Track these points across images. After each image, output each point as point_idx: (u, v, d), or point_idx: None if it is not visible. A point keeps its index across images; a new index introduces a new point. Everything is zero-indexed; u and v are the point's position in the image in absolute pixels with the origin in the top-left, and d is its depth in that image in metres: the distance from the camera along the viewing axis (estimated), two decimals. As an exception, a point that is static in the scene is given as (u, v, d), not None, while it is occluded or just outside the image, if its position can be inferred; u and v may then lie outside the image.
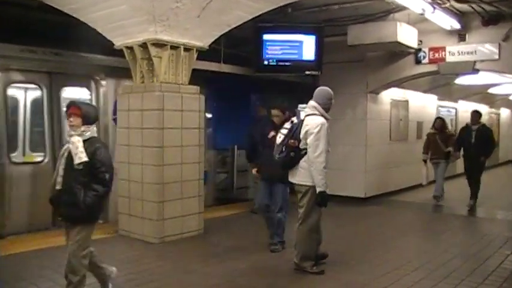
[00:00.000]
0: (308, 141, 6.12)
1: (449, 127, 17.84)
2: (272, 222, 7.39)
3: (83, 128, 4.71)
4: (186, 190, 8.06)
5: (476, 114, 11.64)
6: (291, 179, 6.48)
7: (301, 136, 6.25)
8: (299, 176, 6.31)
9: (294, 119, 7.16)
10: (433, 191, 12.34)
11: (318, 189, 6.04)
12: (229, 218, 9.77)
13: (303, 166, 6.24)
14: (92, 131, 4.80)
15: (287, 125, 6.93)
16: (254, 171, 7.84)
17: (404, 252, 7.54)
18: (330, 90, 6.45)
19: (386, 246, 7.90)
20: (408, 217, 10.81)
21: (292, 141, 6.32)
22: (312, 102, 6.37)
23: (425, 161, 12.37)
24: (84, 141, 4.66)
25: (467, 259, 7.11)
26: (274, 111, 7.21)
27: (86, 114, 4.75)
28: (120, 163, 8.22)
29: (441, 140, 12.08)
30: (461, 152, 11.96)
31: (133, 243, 7.70)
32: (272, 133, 7.19)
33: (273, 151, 6.65)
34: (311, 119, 6.26)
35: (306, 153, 6.17)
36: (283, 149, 6.41)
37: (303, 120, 6.43)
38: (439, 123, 12.35)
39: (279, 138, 6.78)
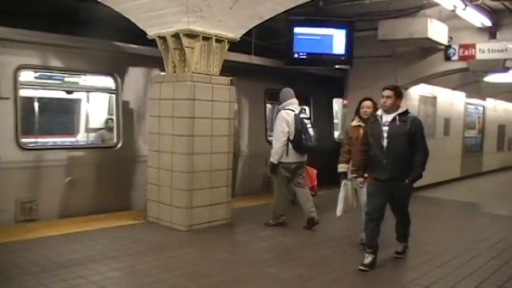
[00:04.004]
0: None
1: (477, 125, 17.83)
2: None
3: None
4: (215, 179, 8.15)
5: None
6: None
7: None
8: None
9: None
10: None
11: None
12: (256, 208, 9.85)
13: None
14: None
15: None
16: None
17: (429, 248, 7.53)
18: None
19: (412, 241, 7.90)
20: (435, 213, 10.77)
21: None
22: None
23: (345, 175, 7.31)
24: None
25: (492, 257, 7.09)
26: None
27: None
28: (150, 151, 8.37)
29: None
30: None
31: (161, 230, 7.81)
32: None
33: None
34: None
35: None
36: None
37: None
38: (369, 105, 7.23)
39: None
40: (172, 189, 7.94)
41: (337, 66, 11.08)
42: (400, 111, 6.27)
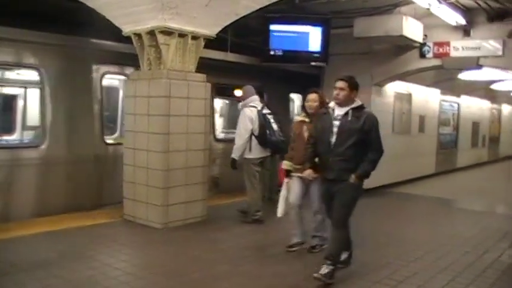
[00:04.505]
0: None
1: (451, 122, 18.03)
2: None
3: None
4: (191, 177, 8.14)
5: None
6: None
7: None
8: None
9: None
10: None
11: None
12: (233, 205, 9.83)
13: None
14: None
15: None
16: None
17: (404, 243, 7.61)
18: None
19: (387, 237, 7.99)
20: (408, 209, 10.91)
21: None
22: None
23: (288, 172, 6.89)
24: None
25: (465, 252, 7.19)
26: None
27: None
28: (126, 149, 8.33)
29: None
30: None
31: (137, 228, 7.80)
32: None
33: None
34: None
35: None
36: None
37: None
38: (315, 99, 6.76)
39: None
40: (148, 187, 7.92)
41: (313, 63, 11.10)
42: (354, 105, 5.69)
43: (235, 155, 8.32)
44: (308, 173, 6.10)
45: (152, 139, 7.86)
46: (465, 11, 10.59)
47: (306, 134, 6.57)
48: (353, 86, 5.73)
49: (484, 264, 6.62)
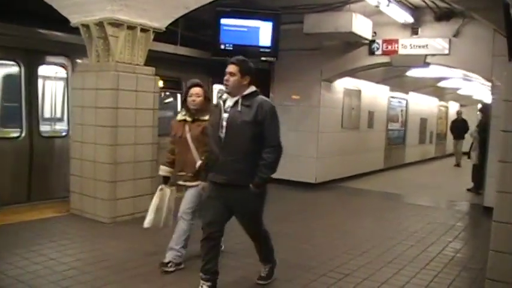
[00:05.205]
0: None
1: (400, 118, 18.34)
2: None
3: None
4: (139, 171, 8.08)
5: None
6: None
7: None
8: None
9: None
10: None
11: None
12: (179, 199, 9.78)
13: None
14: None
15: None
16: None
17: (351, 237, 7.74)
18: None
19: (335, 230, 8.10)
20: (357, 203, 11.06)
21: None
22: None
23: (165, 179, 6.10)
24: None
25: (411, 245, 7.35)
26: None
27: None
28: (73, 142, 8.21)
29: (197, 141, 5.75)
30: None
31: (85, 223, 7.70)
32: None
33: None
34: None
35: None
36: None
37: None
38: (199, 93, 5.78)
39: None
40: (96, 180, 7.83)
41: (263, 58, 11.12)
42: (245, 92, 4.75)
43: None
44: (203, 185, 5.29)
45: (99, 132, 7.77)
46: (413, 9, 10.81)
47: (188, 136, 5.67)
48: (245, 71, 4.78)
49: (428, 257, 6.78)
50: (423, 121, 21.34)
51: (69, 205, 8.27)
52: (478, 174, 12.16)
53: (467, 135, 17.37)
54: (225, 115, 4.73)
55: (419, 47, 11.06)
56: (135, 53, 8.01)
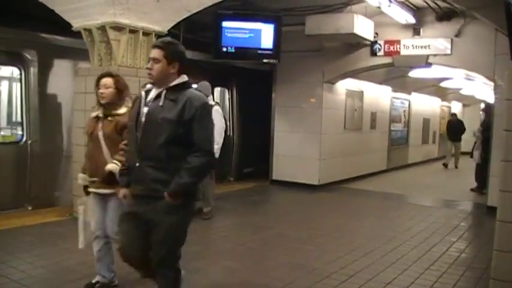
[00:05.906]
0: None
1: (402, 118, 18.31)
2: None
3: None
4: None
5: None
6: None
7: None
8: None
9: None
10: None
11: None
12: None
13: None
14: None
15: None
16: None
17: (355, 238, 7.73)
18: None
19: (338, 231, 8.09)
20: (360, 204, 11.05)
21: None
22: None
23: (86, 189, 5.03)
24: None
25: (415, 246, 7.34)
26: None
27: None
28: (76, 146, 8.19)
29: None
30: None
31: (87, 226, 7.69)
32: None
33: None
34: None
35: None
36: None
37: None
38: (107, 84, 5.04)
39: None
40: (98, 184, 7.80)
41: (265, 61, 11.12)
42: (173, 83, 3.78)
43: (217, 154, 7.88)
44: (123, 193, 4.05)
45: (102, 136, 7.73)
46: (415, 10, 10.82)
47: (100, 134, 4.81)
48: (173, 56, 3.78)
49: (432, 257, 6.78)
50: (426, 121, 21.31)
51: (71, 209, 8.25)
52: (482, 173, 12.14)
53: (464, 136, 17.41)
54: (145, 109, 3.80)
55: (421, 47, 11.07)
56: (137, 57, 8.01)
